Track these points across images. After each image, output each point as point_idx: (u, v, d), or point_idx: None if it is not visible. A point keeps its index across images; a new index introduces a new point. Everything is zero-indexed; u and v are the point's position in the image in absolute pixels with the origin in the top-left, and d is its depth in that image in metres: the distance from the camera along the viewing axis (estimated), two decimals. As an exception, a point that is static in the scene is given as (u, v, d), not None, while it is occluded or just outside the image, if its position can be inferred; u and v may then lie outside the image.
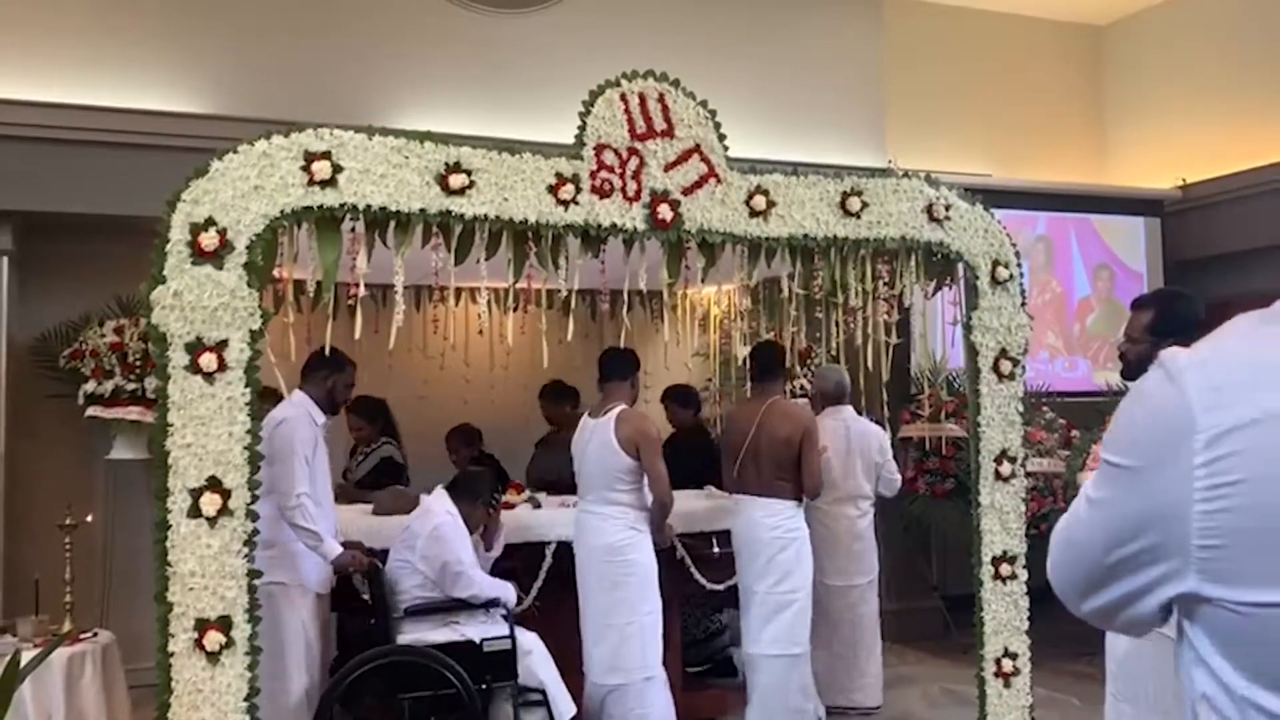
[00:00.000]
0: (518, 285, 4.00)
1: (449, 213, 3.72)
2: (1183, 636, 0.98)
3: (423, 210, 3.69)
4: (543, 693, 4.22)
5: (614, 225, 3.99)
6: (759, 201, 4.27)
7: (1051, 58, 8.40)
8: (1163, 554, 0.94)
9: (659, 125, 4.11)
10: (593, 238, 3.98)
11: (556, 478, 5.39)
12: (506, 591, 4.37)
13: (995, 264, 4.66)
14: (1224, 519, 0.88)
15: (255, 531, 3.44)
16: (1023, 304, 4.72)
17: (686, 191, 4.13)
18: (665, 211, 4.06)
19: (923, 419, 6.69)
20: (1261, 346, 0.92)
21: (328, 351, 4.05)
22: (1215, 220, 7.52)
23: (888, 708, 5.23)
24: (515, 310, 4.56)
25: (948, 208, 4.59)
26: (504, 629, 4.22)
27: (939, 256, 4.63)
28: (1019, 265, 4.74)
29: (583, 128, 4.02)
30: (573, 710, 4.32)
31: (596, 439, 4.54)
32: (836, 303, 4.94)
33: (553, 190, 3.88)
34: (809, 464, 4.75)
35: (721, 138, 4.23)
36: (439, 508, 4.39)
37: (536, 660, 4.28)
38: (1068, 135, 8.18)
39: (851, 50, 7.29)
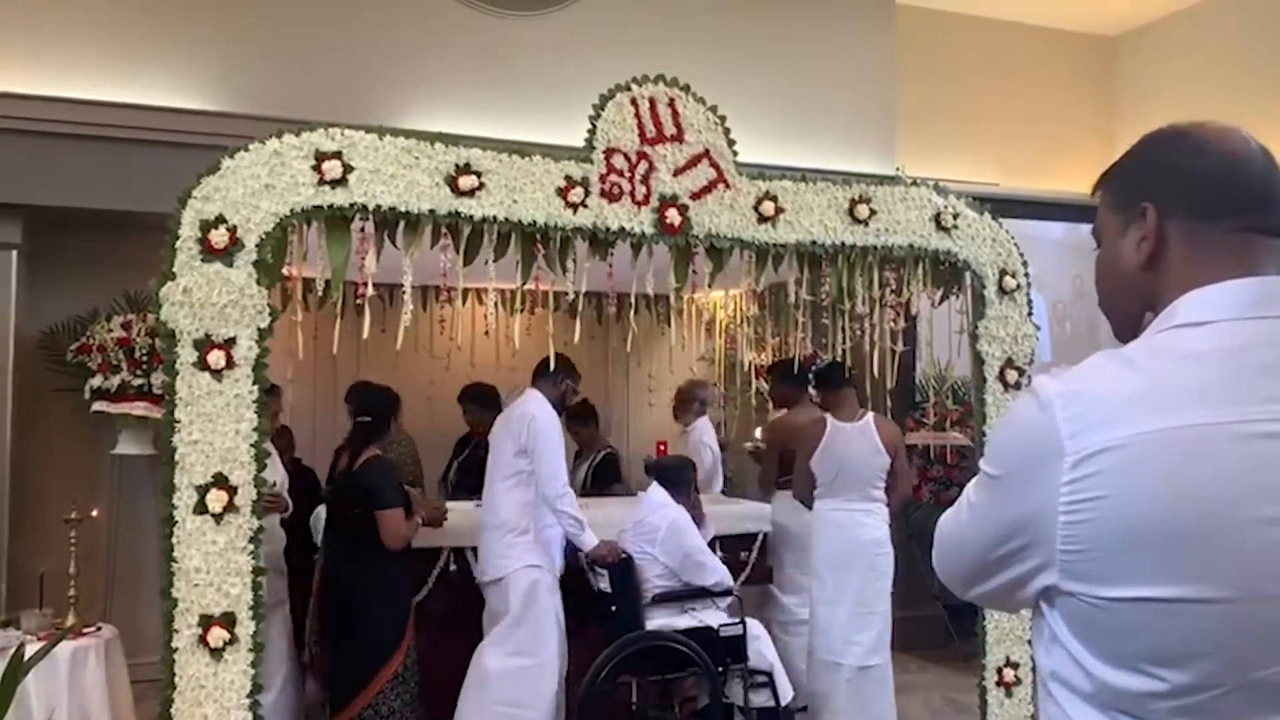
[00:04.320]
0: (525, 287, 4.01)
1: (458, 214, 3.73)
2: (1041, 620, 1.14)
3: (432, 211, 3.70)
4: (769, 675, 4.53)
5: (622, 229, 4.00)
6: (767, 207, 4.28)
7: (1062, 68, 8.40)
8: (1032, 553, 1.10)
9: (669, 130, 4.12)
10: (601, 241, 3.99)
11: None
12: (729, 577, 4.67)
13: (1002, 273, 4.66)
14: (1084, 528, 1.04)
15: (260, 529, 3.45)
16: (1029, 314, 4.72)
17: (695, 196, 4.13)
18: (674, 216, 4.07)
19: (927, 427, 6.69)
20: (1117, 381, 1.07)
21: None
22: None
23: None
24: (522, 312, 4.56)
25: (955, 216, 4.60)
26: (732, 616, 4.52)
27: (946, 265, 4.64)
28: (1026, 275, 4.74)
29: (593, 131, 4.03)
30: (791, 693, 4.63)
31: (860, 442, 4.82)
32: (843, 309, 4.93)
33: (562, 193, 3.90)
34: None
35: (731, 143, 4.24)
36: (667, 499, 4.65)
37: (764, 645, 4.59)
38: (1077, 146, 8.18)
39: (863, 57, 7.29)
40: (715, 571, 4.57)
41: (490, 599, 4.49)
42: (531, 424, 4.41)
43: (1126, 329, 1.21)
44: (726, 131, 4.24)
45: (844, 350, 5.15)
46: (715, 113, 4.23)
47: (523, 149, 3.93)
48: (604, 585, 4.63)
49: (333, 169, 3.57)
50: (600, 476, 6.10)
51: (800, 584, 5.23)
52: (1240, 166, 1.15)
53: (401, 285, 3.73)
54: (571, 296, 4.02)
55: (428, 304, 5.77)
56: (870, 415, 4.97)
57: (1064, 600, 1.09)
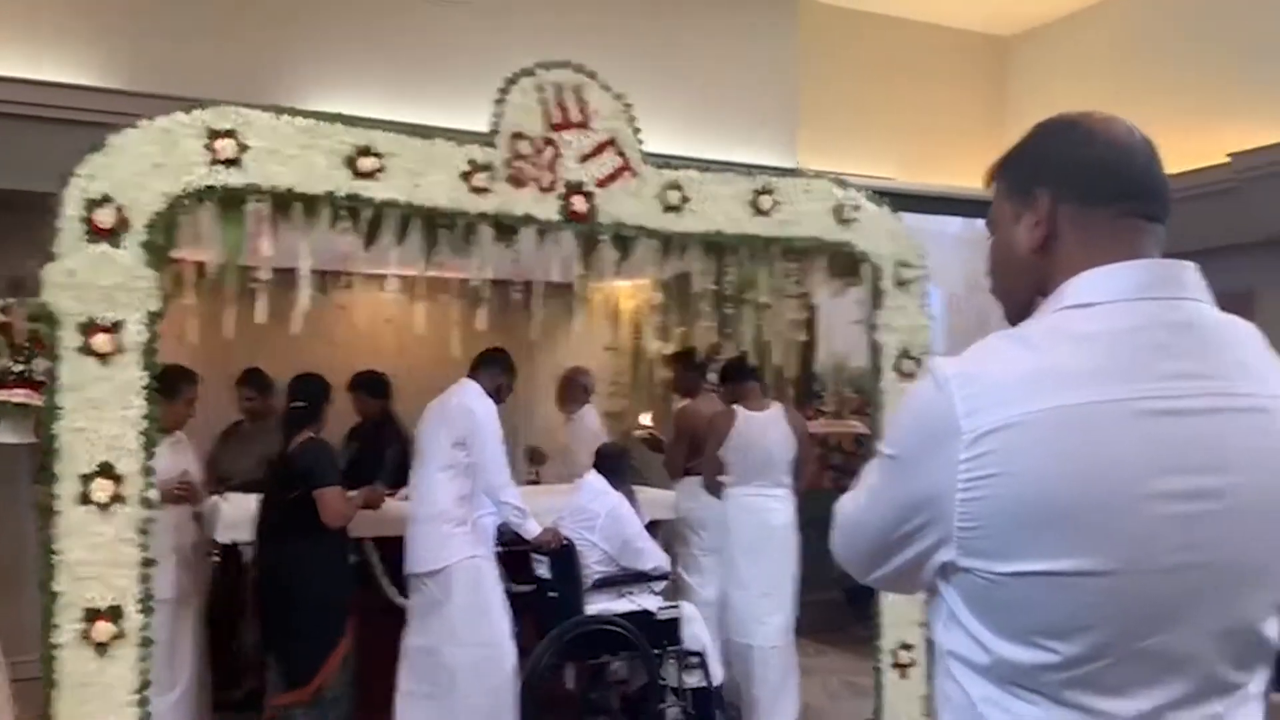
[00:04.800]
0: (428, 273, 3.95)
1: (358, 196, 3.66)
2: (940, 598, 1.14)
3: (331, 193, 3.62)
4: (702, 656, 4.65)
5: (528, 215, 3.97)
6: (673, 196, 4.29)
7: (957, 66, 8.62)
8: (931, 531, 1.12)
9: (575, 116, 4.10)
10: (506, 227, 3.95)
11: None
12: (668, 561, 4.78)
13: (900, 265, 4.76)
14: (979, 505, 1.07)
15: (150, 519, 3.33)
16: (925, 305, 4.83)
17: (601, 184, 4.13)
18: (580, 203, 4.06)
19: (827, 416, 6.81)
20: (1011, 362, 1.09)
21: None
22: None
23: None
24: (427, 298, 4.50)
25: (856, 209, 4.68)
26: (666, 600, 4.64)
27: (846, 256, 4.72)
28: (923, 267, 4.85)
29: (498, 115, 3.99)
30: (723, 673, 4.75)
31: (771, 430, 5.01)
32: (747, 300, 4.99)
33: (466, 177, 3.85)
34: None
35: (637, 132, 4.24)
36: (606, 486, 4.71)
37: (698, 627, 4.69)
38: (971, 143, 8.38)
39: (766, 50, 7.37)
40: (654, 556, 4.66)
41: (425, 590, 4.43)
42: (472, 416, 4.43)
43: (1018, 313, 1.24)
44: (633, 120, 4.23)
45: (748, 340, 5.24)
46: (622, 100, 4.22)
47: (426, 132, 3.87)
48: (543, 572, 4.66)
49: (226, 148, 3.47)
50: None
51: (703, 565, 5.30)
52: (1126, 155, 1.20)
53: (298, 269, 3.64)
54: (476, 283, 3.98)
55: (327, 289, 5.64)
56: (777, 405, 5.13)
57: (961, 577, 1.12)
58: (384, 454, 5.43)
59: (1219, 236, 6.77)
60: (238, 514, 4.61)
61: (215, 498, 4.81)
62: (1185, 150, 6.98)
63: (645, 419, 6.62)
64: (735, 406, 5.10)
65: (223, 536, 4.66)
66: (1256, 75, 6.82)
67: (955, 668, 1.15)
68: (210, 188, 3.46)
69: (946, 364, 1.13)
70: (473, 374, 4.62)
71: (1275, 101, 6.66)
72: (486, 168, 3.89)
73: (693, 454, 5.41)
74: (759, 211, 4.48)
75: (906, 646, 4.63)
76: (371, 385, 5.68)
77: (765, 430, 5.05)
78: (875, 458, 1.22)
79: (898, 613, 4.59)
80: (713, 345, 6.07)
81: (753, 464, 5.02)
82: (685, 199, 4.32)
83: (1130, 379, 1.07)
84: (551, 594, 4.63)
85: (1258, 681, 1.14)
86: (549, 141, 4.03)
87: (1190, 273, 1.16)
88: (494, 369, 4.63)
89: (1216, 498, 1.07)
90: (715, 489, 5.13)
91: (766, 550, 4.98)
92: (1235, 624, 1.09)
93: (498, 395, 4.64)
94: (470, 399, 4.49)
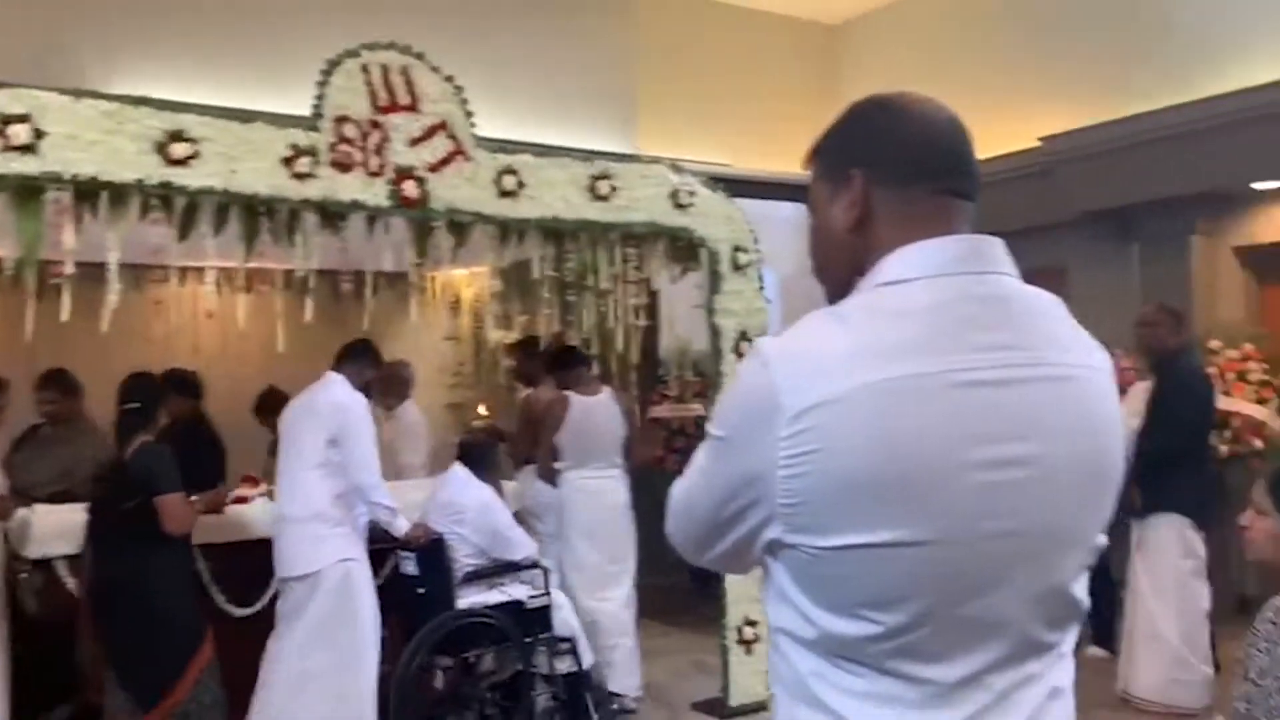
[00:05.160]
0: (249, 264, 3.76)
1: (170, 184, 3.44)
2: (769, 575, 1.17)
3: (140, 181, 3.40)
4: (572, 641, 4.65)
5: (355, 202, 3.83)
6: (509, 182, 4.22)
7: (789, 53, 8.80)
8: (757, 509, 1.13)
9: (403, 99, 3.97)
10: (332, 214, 3.80)
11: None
12: (537, 550, 4.74)
13: (736, 249, 4.83)
14: (801, 482, 1.07)
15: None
16: (761, 288, 4.91)
17: (433, 168, 4.02)
18: (411, 189, 3.94)
19: (671, 399, 6.87)
20: (831, 339, 1.10)
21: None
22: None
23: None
24: (248, 291, 4.29)
25: (692, 194, 4.71)
26: (537, 589, 4.61)
27: (684, 241, 4.75)
28: (758, 251, 4.92)
29: (320, 98, 3.82)
30: (593, 657, 4.75)
31: (604, 414, 5.10)
32: (588, 286, 4.97)
33: (287, 163, 3.68)
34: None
35: (469, 115, 4.14)
36: (472, 479, 4.62)
37: (568, 613, 4.69)
38: (803, 130, 8.45)
39: (603, 34, 7.34)
40: (524, 546, 4.64)
41: (292, 594, 4.24)
42: (345, 413, 4.24)
43: (838, 292, 1.24)
44: (464, 103, 4.13)
45: (590, 326, 5.24)
46: (452, 83, 4.11)
47: (243, 115, 3.68)
48: (410, 568, 4.56)
49: (19, 134, 3.21)
50: None
51: (548, 549, 5.29)
52: (934, 134, 1.21)
53: (106, 263, 3.40)
54: (302, 274, 3.81)
55: (141, 284, 5.31)
56: (607, 389, 5.23)
57: (787, 553, 1.13)
58: (200, 457, 5.12)
59: (1033, 216, 7.14)
60: (51, 527, 4.29)
61: (23, 510, 4.47)
62: (1000, 133, 7.33)
63: (482, 409, 6.53)
64: (568, 393, 5.11)
65: (34, 552, 4.33)
66: (1065, 61, 7.20)
67: (784, 643, 1.16)
68: (3, 176, 3.19)
69: (769, 343, 1.13)
70: (338, 368, 4.40)
71: (1082, 86, 7.05)
72: (310, 152, 3.73)
73: (537, 443, 5.37)
74: (597, 197, 4.46)
75: (751, 623, 4.71)
76: (181, 384, 5.33)
77: (598, 414, 5.11)
78: (705, 439, 1.21)
79: (742, 590, 4.67)
80: (556, 333, 6.04)
81: (588, 448, 5.08)
82: (521, 184, 4.25)
83: (943, 352, 1.09)
84: (420, 590, 4.53)
85: (1069, 641, 1.18)
86: (376, 125, 3.89)
87: (997, 247, 1.18)
88: (361, 361, 4.44)
89: (1028, 465, 1.10)
90: (550, 476, 5.16)
91: (606, 529, 5.07)
92: (1048, 586, 1.13)
93: (366, 389, 4.48)
94: (340, 394, 4.29)
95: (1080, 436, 1.14)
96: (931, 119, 1.22)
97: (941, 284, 1.13)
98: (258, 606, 4.50)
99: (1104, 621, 5.57)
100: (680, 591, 6.79)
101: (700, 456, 1.22)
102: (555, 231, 4.41)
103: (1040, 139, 7.04)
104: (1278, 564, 2.56)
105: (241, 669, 4.15)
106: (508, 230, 4.29)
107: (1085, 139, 6.76)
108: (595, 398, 5.14)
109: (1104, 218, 6.94)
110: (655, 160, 4.68)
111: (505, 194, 4.21)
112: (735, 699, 4.72)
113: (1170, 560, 4.74)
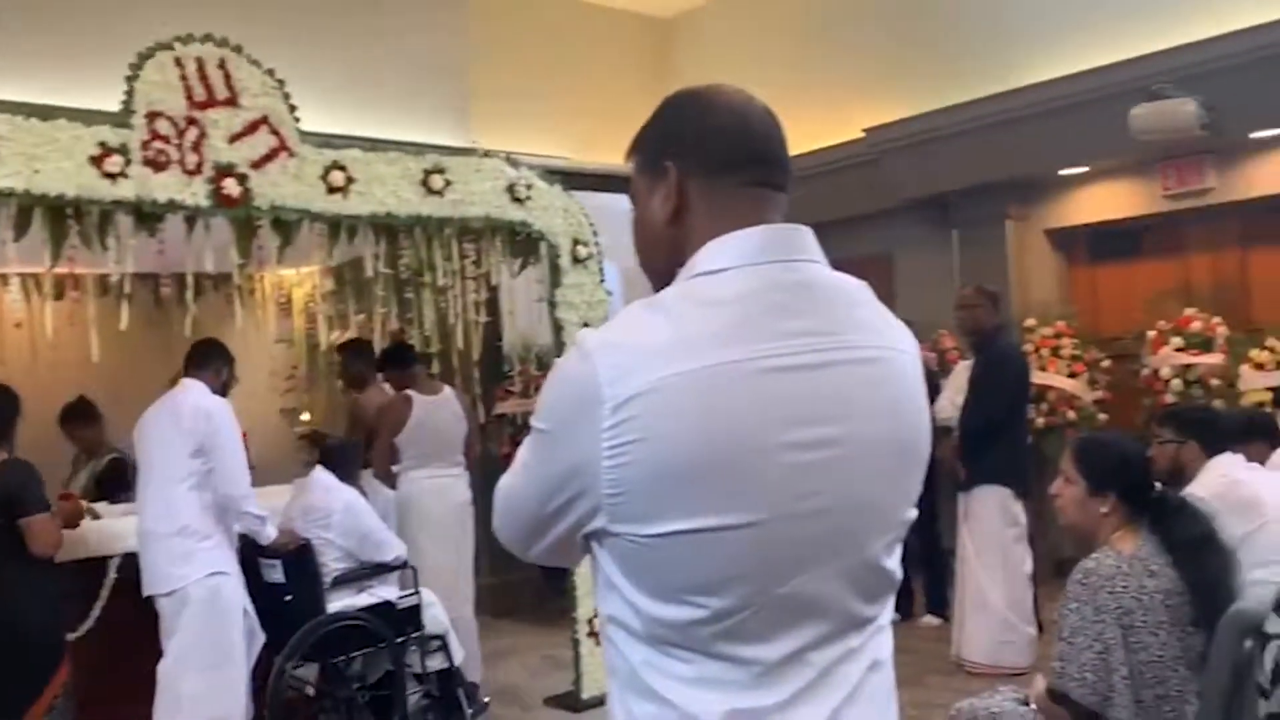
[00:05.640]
0: (56, 270, 3.54)
1: (-38, 186, 3.20)
2: (597, 567, 1.19)
3: (-73, 183, 3.15)
4: (443, 638, 4.64)
5: (172, 201, 3.65)
6: (337, 177, 4.12)
7: (625, 47, 8.85)
8: (582, 501, 1.13)
9: (221, 93, 3.81)
10: (148, 215, 3.62)
11: None
12: (406, 549, 4.68)
13: (575, 243, 4.83)
14: (624, 471, 1.09)
15: None
16: (602, 281, 4.93)
17: (255, 165, 3.87)
18: (232, 186, 3.78)
19: (516, 395, 6.82)
20: (649, 329, 1.12)
21: None
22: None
23: (490, 682, 5.28)
24: (58, 298, 4.03)
25: (529, 188, 4.69)
26: (405, 588, 4.60)
27: (522, 235, 4.72)
28: (597, 244, 4.94)
29: (130, 93, 3.63)
30: (463, 653, 4.74)
31: (446, 412, 5.10)
32: (425, 283, 4.89)
33: (96, 162, 3.48)
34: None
35: (292, 109, 4.00)
36: (335, 482, 4.53)
37: (438, 610, 4.66)
38: (640, 122, 8.64)
39: (434, 26, 7.19)
40: (394, 546, 4.61)
41: (163, 613, 4.03)
42: (209, 419, 3.99)
43: (662, 282, 1.26)
44: (286, 96, 4.00)
45: (430, 323, 5.17)
46: (273, 76, 3.97)
47: (44, 111, 3.46)
48: (276, 576, 4.41)
49: None
50: (106, 485, 5.35)
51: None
52: (745, 125, 1.24)
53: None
54: (117, 278, 3.60)
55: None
56: (448, 387, 5.20)
57: (613, 543, 1.14)
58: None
59: (861, 205, 7.41)
60: None
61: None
62: (829, 125, 7.57)
63: (305, 415, 6.35)
64: (408, 392, 5.03)
65: None
66: (888, 53, 7.48)
67: (615, 634, 1.18)
68: None
69: (590, 335, 1.15)
70: (192, 372, 4.14)
71: (904, 78, 7.34)
72: (120, 150, 3.54)
73: (370, 445, 5.26)
74: (431, 191, 4.39)
75: (602, 615, 4.73)
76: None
77: (442, 413, 5.09)
78: (530, 434, 1.22)
79: (592, 583, 4.68)
80: (394, 331, 5.92)
81: (432, 447, 5.06)
82: (350, 180, 4.15)
83: (755, 339, 1.12)
84: (287, 598, 4.40)
85: (886, 613, 1.23)
86: (192, 121, 3.73)
87: (806, 236, 1.22)
88: (216, 362, 4.19)
89: (838, 445, 1.14)
90: (389, 479, 5.09)
91: (451, 528, 5.08)
92: (862, 561, 1.17)
93: (224, 390, 4.24)
94: (203, 401, 4.04)
95: (887, 416, 1.18)
96: (742, 111, 1.24)
97: (752, 273, 1.16)
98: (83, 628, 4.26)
99: (938, 591, 5.85)
100: (530, 588, 6.77)
101: (524, 451, 1.22)
102: (388, 227, 4.32)
103: (865, 130, 7.30)
104: (1084, 527, 2.73)
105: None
106: (337, 227, 4.17)
107: (906, 130, 7.05)
108: (437, 396, 5.10)
109: (925, 205, 7.26)
110: (488, 154, 4.63)
111: (333, 190, 4.10)
112: (588, 692, 4.74)
113: (994, 528, 5.00)
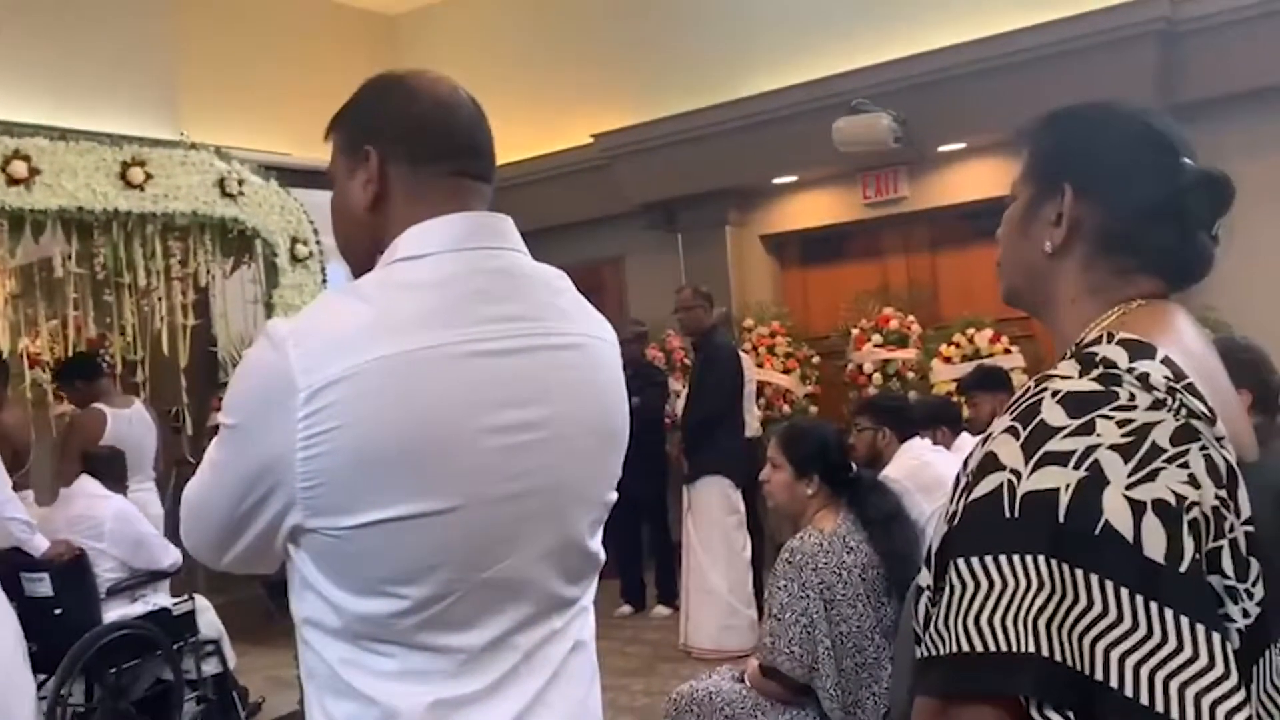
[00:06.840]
0: None
1: None
2: (292, 566, 1.16)
3: None
4: (217, 643, 4.65)
5: None
6: (19, 168, 3.77)
7: (350, 43, 8.55)
8: (277, 497, 1.10)
9: None
10: None
11: None
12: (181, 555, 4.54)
13: (294, 241, 4.63)
14: (320, 462, 1.06)
15: None
16: (324, 280, 4.75)
17: (-83, 153, 3.45)
18: (-114, 175, 3.35)
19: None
20: (346, 315, 1.10)
21: None
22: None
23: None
24: None
25: (241, 183, 4.45)
26: (178, 594, 4.60)
27: (235, 233, 4.48)
28: (318, 243, 4.75)
29: None
30: (235, 657, 4.80)
31: (140, 426, 4.96)
32: (125, 283, 4.55)
33: None
34: None
35: (-36, 92, 3.61)
36: (101, 489, 4.45)
37: (212, 615, 4.66)
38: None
39: (138, 8, 6.70)
40: (170, 552, 4.54)
41: None
42: None
43: (361, 269, 1.24)
44: (-43, 78, 3.59)
45: (131, 328, 4.82)
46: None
47: None
48: (43, 590, 4.23)
49: None
50: None
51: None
52: (449, 115, 1.23)
53: None
54: None
55: None
56: (137, 400, 5.04)
57: (309, 539, 1.11)
58: None
59: (594, 209, 7.54)
60: None
61: None
62: (559, 129, 7.66)
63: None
64: (98, 406, 4.82)
65: None
66: (614, 61, 7.65)
67: (311, 635, 1.14)
68: None
69: (279, 324, 1.11)
70: None
71: (630, 87, 7.53)
72: None
73: (13, 468, 4.88)
74: (130, 185, 4.08)
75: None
76: None
77: (137, 427, 4.94)
78: (219, 432, 1.16)
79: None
80: (93, 340, 5.46)
81: (131, 462, 4.83)
82: (35, 171, 3.80)
83: (455, 324, 1.11)
84: (57, 611, 4.24)
85: (588, 594, 1.26)
86: None
87: (507, 224, 1.23)
88: None
89: (540, 428, 1.15)
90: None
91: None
92: (565, 542, 1.19)
93: None
94: None
95: (587, 400, 1.21)
96: (445, 101, 1.24)
97: (453, 259, 1.15)
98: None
99: (668, 582, 6.05)
100: (256, 606, 6.44)
101: (212, 450, 1.16)
102: (80, 223, 3.98)
103: (592, 135, 7.44)
104: (792, 509, 2.91)
105: None
106: (20, 223, 3.81)
107: (633, 136, 7.24)
108: (130, 410, 4.93)
109: (653, 210, 7.49)
110: (195, 146, 4.36)
111: (15, 181, 3.74)
112: (315, 709, 4.57)
113: (716, 517, 5.24)
